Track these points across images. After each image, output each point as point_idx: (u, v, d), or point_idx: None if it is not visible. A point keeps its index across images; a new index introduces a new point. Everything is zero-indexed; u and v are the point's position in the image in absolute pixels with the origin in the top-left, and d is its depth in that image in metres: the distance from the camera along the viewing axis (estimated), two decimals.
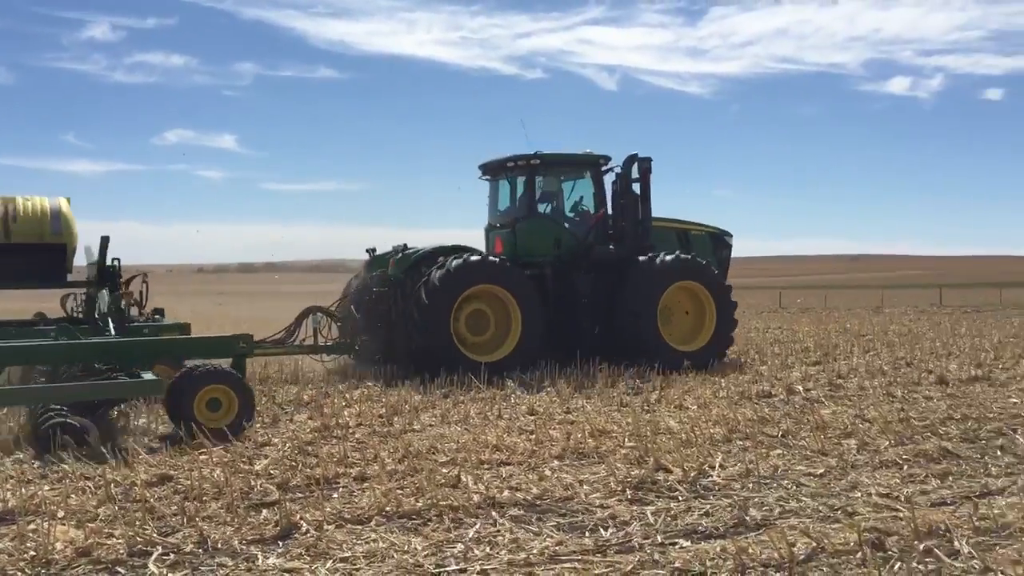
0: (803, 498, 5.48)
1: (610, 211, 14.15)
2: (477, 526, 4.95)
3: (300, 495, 5.69)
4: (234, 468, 6.29)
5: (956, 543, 4.45)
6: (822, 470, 6.23)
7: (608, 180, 14.15)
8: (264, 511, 5.27)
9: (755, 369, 12.40)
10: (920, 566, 4.19)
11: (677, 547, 4.58)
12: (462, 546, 4.61)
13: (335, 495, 5.68)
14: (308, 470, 6.30)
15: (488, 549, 4.57)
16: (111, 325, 9.74)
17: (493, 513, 5.20)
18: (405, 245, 13.31)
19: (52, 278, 10.41)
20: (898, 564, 4.22)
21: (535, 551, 4.52)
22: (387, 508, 5.26)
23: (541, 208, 14.12)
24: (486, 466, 6.47)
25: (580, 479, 6.00)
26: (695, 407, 9.27)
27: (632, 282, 13.18)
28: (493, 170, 14.54)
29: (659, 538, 4.72)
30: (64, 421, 7.10)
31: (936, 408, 8.88)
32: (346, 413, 8.95)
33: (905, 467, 6.31)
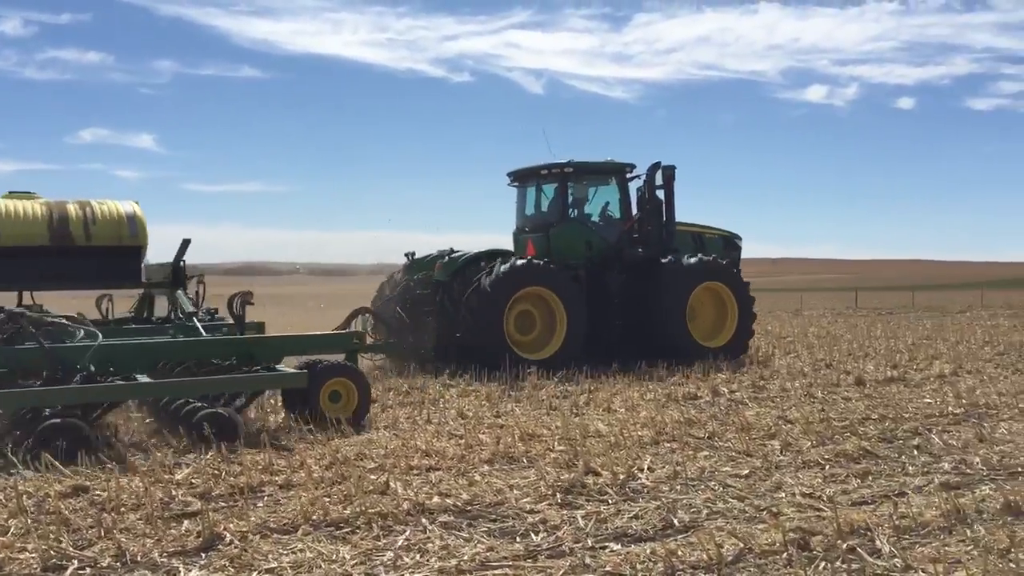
0: (730, 499, 5.56)
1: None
2: (407, 533, 4.89)
3: (223, 504, 5.54)
4: (154, 478, 6.09)
5: (878, 542, 4.56)
6: (747, 471, 6.34)
7: (633, 187, 14.89)
8: (185, 522, 5.12)
9: (681, 371, 12.56)
10: (844, 565, 4.29)
11: (607, 551, 4.60)
12: (391, 554, 4.55)
13: (260, 504, 5.55)
14: (231, 479, 6.14)
15: (418, 556, 4.52)
16: (199, 324, 9.99)
17: (423, 520, 5.15)
18: (452, 249, 14.12)
19: (127, 279, 10.91)
20: (823, 563, 4.31)
21: (466, 558, 4.48)
22: (314, 516, 5.16)
23: (571, 213, 14.77)
24: (415, 472, 6.41)
25: (510, 484, 5.98)
26: (623, 410, 9.34)
27: (662, 283, 13.87)
28: (523, 177, 15.29)
29: (589, 542, 4.73)
30: (215, 412, 7.40)
31: (855, 409, 9.12)
32: (271, 419, 8.78)
33: (827, 467, 6.46)
